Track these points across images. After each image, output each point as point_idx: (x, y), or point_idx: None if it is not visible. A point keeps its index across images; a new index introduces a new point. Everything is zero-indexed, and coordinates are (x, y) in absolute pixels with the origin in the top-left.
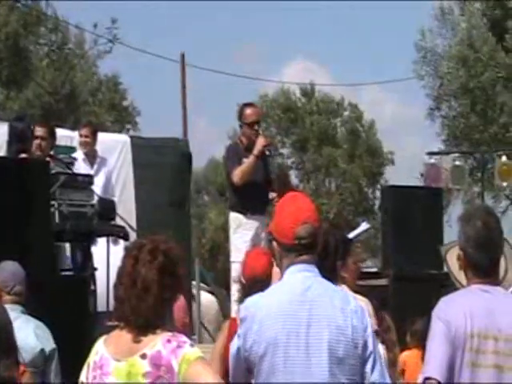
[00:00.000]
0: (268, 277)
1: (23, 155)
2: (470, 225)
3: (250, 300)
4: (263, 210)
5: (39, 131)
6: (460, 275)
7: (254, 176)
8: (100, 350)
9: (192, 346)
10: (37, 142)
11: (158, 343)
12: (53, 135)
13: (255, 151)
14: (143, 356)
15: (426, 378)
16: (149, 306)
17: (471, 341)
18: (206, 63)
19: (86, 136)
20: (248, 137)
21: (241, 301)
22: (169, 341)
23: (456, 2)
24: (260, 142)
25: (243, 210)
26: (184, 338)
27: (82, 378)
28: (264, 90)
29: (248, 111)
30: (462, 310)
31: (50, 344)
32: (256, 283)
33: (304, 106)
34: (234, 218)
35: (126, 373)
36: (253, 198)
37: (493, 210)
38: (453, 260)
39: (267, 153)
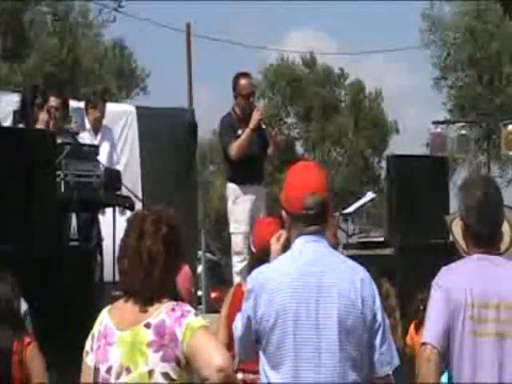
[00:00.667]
0: None
1: (21, 125)
2: (469, 194)
3: (257, 271)
4: (260, 180)
5: (53, 101)
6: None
7: (250, 148)
8: (104, 319)
9: (196, 315)
10: (50, 112)
11: (162, 312)
12: (66, 106)
13: (251, 125)
14: (147, 325)
15: (423, 343)
16: (155, 277)
17: (472, 310)
18: (211, 32)
19: (102, 111)
20: (242, 108)
21: (251, 270)
22: (173, 310)
23: None
24: (255, 116)
25: (241, 182)
26: (188, 307)
27: (87, 347)
28: (268, 60)
29: (243, 82)
30: (462, 278)
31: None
32: (266, 252)
33: (307, 77)
34: (232, 189)
35: (129, 342)
36: (249, 169)
37: (493, 179)
38: (458, 229)
39: (263, 126)
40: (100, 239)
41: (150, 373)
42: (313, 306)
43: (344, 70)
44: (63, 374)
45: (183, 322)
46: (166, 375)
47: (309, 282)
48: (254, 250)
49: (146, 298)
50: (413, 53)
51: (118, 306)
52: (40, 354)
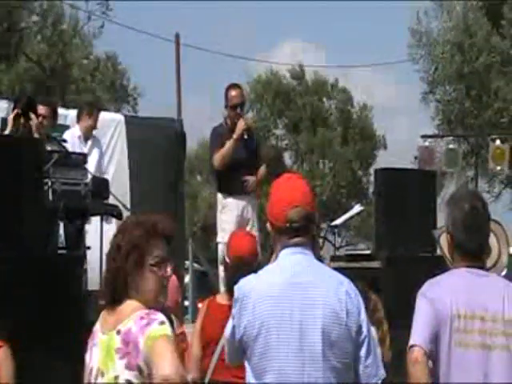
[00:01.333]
0: (252, 258)
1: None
2: (457, 208)
3: (244, 280)
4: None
5: (42, 109)
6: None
7: (236, 158)
8: (98, 321)
9: (162, 323)
10: (39, 120)
11: (131, 320)
12: (55, 115)
13: (235, 134)
14: (118, 332)
15: (410, 346)
16: (120, 285)
17: (458, 321)
18: (198, 42)
19: (95, 120)
20: (231, 118)
21: (226, 281)
22: (141, 318)
23: None
24: (240, 126)
25: (227, 192)
26: (157, 316)
27: (88, 346)
28: (256, 71)
29: (232, 93)
30: (448, 290)
31: None
32: (240, 264)
33: (295, 88)
34: (220, 199)
35: (105, 346)
36: (236, 179)
37: (480, 194)
38: (446, 243)
39: (245, 137)
40: (85, 248)
41: (116, 378)
42: (296, 317)
43: (336, 80)
44: (49, 376)
45: (146, 330)
46: (129, 383)
47: (293, 294)
48: (228, 261)
49: (119, 304)
50: (400, 66)
51: (107, 310)
52: (10, 359)
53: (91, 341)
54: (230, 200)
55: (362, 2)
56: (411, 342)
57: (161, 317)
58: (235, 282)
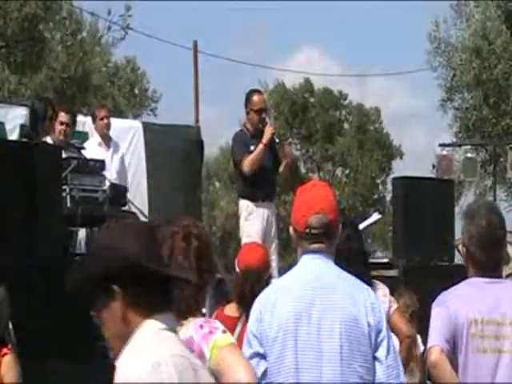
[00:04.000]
0: (262, 269)
1: (28, 139)
2: (473, 223)
3: (262, 295)
4: (272, 196)
5: (64, 117)
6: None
7: (263, 163)
8: None
9: (224, 332)
10: (62, 127)
11: (190, 329)
12: (75, 122)
13: (264, 140)
14: None
15: (430, 348)
16: (190, 293)
17: (475, 326)
18: (217, 50)
19: (107, 117)
20: (254, 123)
21: (235, 292)
22: (201, 326)
23: None
24: (269, 130)
25: (253, 198)
26: (216, 324)
27: None
28: (272, 80)
29: (255, 98)
30: (463, 297)
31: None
32: (250, 275)
33: (307, 100)
34: (245, 205)
35: None
36: (262, 185)
37: (497, 207)
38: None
39: (277, 140)
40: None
41: None
42: (314, 321)
43: (342, 93)
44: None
45: (210, 339)
46: None
47: (312, 297)
48: (238, 270)
49: (178, 313)
50: (417, 74)
51: None
52: (16, 367)
53: None
54: (256, 206)
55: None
56: (429, 345)
57: (220, 325)
58: (244, 293)
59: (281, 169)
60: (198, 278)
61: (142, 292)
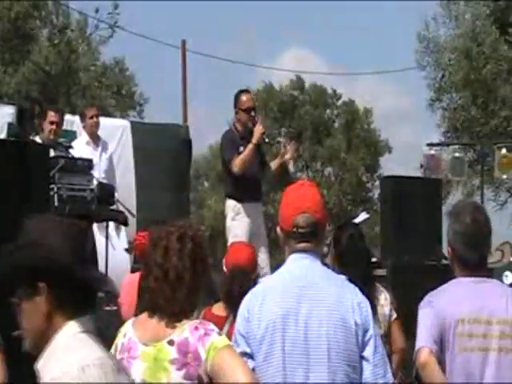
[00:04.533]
0: (250, 269)
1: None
2: (458, 221)
3: (247, 298)
4: (259, 196)
5: (54, 117)
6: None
7: (251, 164)
8: (128, 332)
9: (219, 334)
10: (52, 127)
11: (185, 330)
12: (62, 121)
13: (254, 139)
14: (171, 342)
15: (418, 350)
16: (183, 295)
17: (462, 326)
18: (204, 49)
19: (96, 116)
20: (244, 123)
21: (223, 291)
22: (196, 328)
23: None
24: (258, 130)
25: (241, 198)
26: (211, 326)
27: None
28: (260, 78)
29: (244, 97)
30: (450, 297)
31: None
32: (237, 274)
33: (298, 98)
34: (232, 205)
35: (152, 357)
36: (249, 185)
37: (482, 207)
38: None
39: (266, 140)
40: (95, 254)
41: None
42: (302, 320)
43: (336, 91)
44: None
45: (207, 340)
46: None
47: (299, 296)
48: (225, 270)
49: (172, 314)
50: (405, 73)
51: (141, 320)
52: (5, 367)
53: (126, 352)
54: (244, 207)
55: (367, 10)
56: (417, 346)
57: (215, 327)
58: (232, 292)
59: (273, 166)
60: (192, 279)
61: (67, 293)
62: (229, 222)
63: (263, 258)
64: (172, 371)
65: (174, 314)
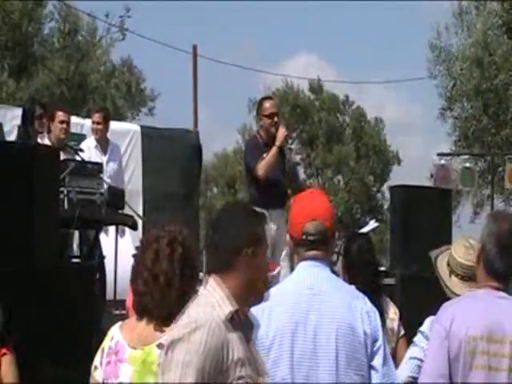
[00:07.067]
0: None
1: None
2: (496, 224)
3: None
4: (283, 203)
5: (63, 116)
6: (450, 282)
7: (276, 168)
8: (116, 336)
9: None
10: (62, 126)
11: None
12: (70, 121)
13: (277, 142)
14: (160, 346)
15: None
16: (171, 299)
17: (474, 343)
18: (213, 55)
19: (98, 123)
20: (267, 129)
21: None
22: None
23: (473, 2)
24: (281, 132)
25: (265, 205)
26: None
27: (96, 362)
28: (271, 85)
29: (266, 104)
30: (464, 312)
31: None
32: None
33: (312, 103)
34: None
35: (141, 361)
36: (274, 191)
37: None
38: (443, 266)
39: (289, 142)
40: (102, 257)
41: None
42: (310, 328)
43: (349, 97)
44: None
45: None
46: None
47: (308, 304)
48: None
49: (160, 318)
50: (416, 82)
51: (129, 324)
52: (15, 367)
53: (113, 355)
54: (268, 213)
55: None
56: (429, 379)
57: None
58: None
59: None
60: (180, 284)
61: None
62: None
63: (284, 265)
64: None
65: (162, 317)
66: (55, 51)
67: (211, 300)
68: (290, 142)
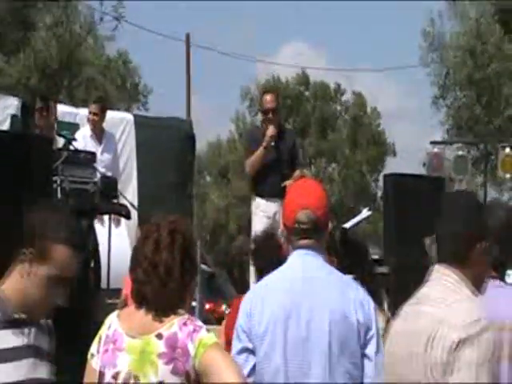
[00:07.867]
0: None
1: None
2: (492, 214)
3: (256, 284)
4: (281, 193)
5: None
6: None
7: (267, 162)
8: (113, 324)
9: (208, 331)
10: (55, 117)
11: (174, 325)
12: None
13: (264, 142)
14: (159, 336)
15: None
16: (171, 289)
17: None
18: (207, 42)
19: (95, 113)
20: (263, 123)
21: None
22: (185, 324)
23: None
24: (269, 132)
25: (260, 194)
26: (199, 323)
27: (93, 350)
28: (261, 74)
29: (264, 97)
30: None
31: None
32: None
33: (303, 93)
34: (253, 201)
35: (140, 350)
36: (268, 182)
37: None
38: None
39: (272, 144)
40: (96, 246)
41: None
42: (303, 317)
43: (340, 86)
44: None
45: (195, 337)
46: None
47: (300, 294)
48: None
49: (160, 308)
50: (408, 71)
51: (128, 313)
52: None
53: (111, 344)
54: (262, 202)
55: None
56: None
57: (203, 324)
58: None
59: (296, 173)
60: (180, 275)
61: None
62: (252, 218)
63: None
64: (159, 365)
65: (161, 307)
66: (46, 36)
67: None
68: (275, 142)
